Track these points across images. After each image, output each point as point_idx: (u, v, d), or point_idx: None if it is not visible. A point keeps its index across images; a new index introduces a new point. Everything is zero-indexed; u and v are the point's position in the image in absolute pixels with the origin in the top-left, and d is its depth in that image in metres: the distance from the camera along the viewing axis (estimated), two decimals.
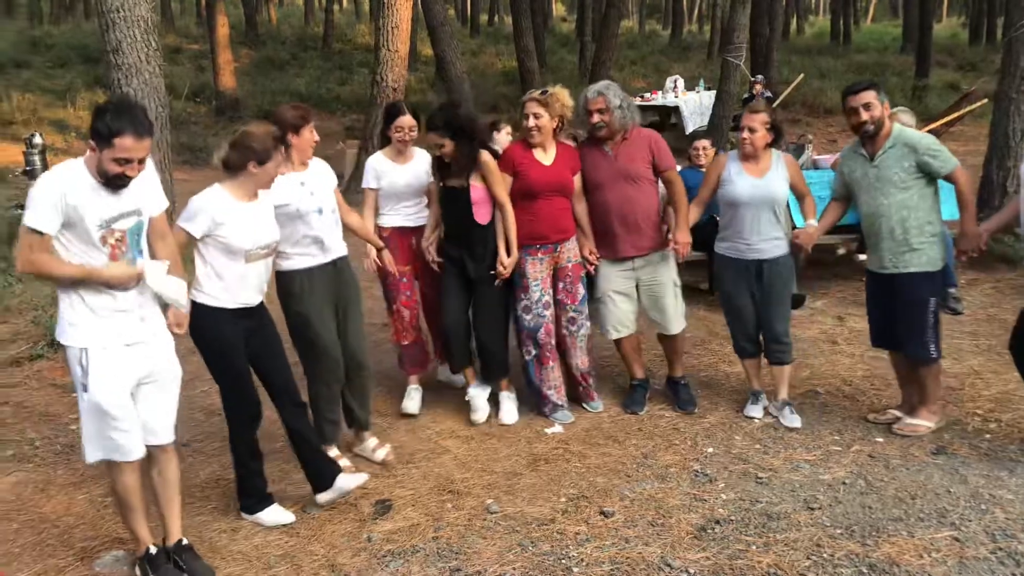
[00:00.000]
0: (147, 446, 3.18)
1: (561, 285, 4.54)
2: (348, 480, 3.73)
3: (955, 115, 9.15)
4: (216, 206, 3.40)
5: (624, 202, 4.43)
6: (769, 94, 13.24)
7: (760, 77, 13.87)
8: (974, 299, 6.36)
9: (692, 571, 3.20)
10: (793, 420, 4.44)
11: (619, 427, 4.51)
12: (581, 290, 4.56)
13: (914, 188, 4.05)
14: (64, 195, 2.86)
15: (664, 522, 3.55)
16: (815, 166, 7.21)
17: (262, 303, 3.63)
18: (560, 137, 4.54)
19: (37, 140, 11.56)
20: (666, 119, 14.23)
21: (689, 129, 13.56)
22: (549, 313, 4.49)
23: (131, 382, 3.09)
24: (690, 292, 4.68)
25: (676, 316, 4.61)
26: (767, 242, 4.38)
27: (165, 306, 3.23)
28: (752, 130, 4.34)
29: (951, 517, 3.50)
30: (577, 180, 4.51)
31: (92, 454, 3.10)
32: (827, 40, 31.15)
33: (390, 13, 10.67)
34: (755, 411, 4.55)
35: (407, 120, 4.48)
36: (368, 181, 4.59)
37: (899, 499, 3.66)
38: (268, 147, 3.42)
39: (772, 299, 4.44)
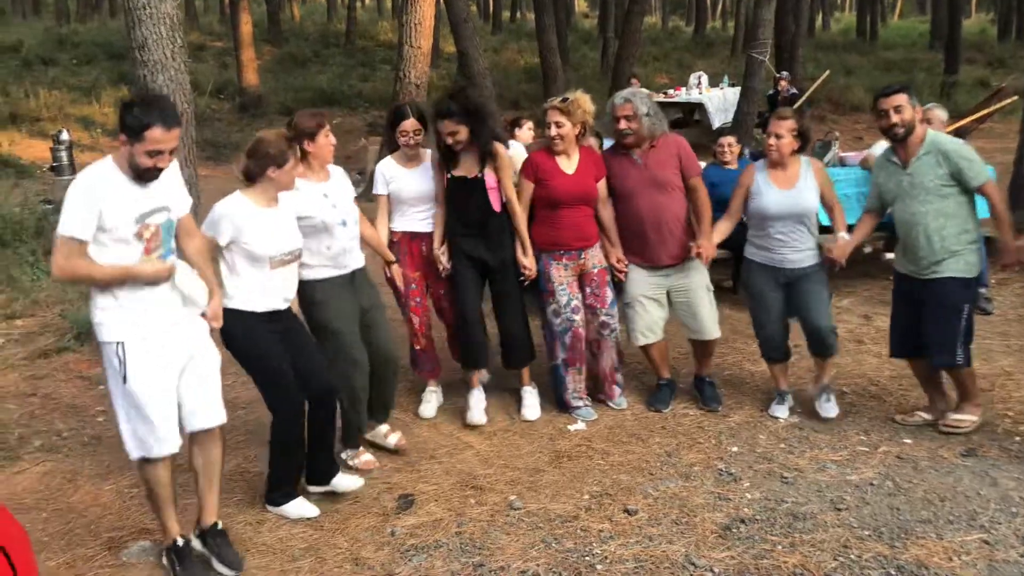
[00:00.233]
0: (191, 431, 3.24)
1: (588, 290, 4.50)
2: (344, 481, 3.79)
3: (984, 112, 9.01)
4: (238, 212, 3.44)
5: (656, 210, 4.39)
6: (794, 91, 13.14)
7: (785, 73, 13.79)
8: (1004, 299, 6.28)
9: (717, 570, 3.18)
10: (828, 409, 4.40)
11: (643, 425, 4.49)
12: (609, 293, 4.52)
13: (951, 196, 3.96)
14: (97, 198, 2.90)
15: (688, 520, 3.53)
16: (842, 163, 7.14)
17: (289, 311, 3.68)
18: (583, 142, 4.50)
19: (64, 136, 11.69)
20: (689, 115, 14.15)
21: (715, 125, 13.48)
22: (579, 317, 4.44)
23: (171, 372, 3.12)
24: (714, 291, 4.63)
25: (712, 322, 4.56)
26: (799, 253, 4.32)
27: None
28: (779, 136, 4.28)
29: (981, 520, 3.45)
30: (602, 186, 4.47)
31: (135, 451, 3.13)
32: (853, 36, 30.86)
33: (413, 10, 10.67)
34: (780, 411, 4.51)
35: (410, 123, 4.34)
36: (378, 187, 4.48)
37: (928, 501, 3.62)
38: (283, 149, 3.46)
39: (810, 301, 4.35)
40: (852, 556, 3.23)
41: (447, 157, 4.31)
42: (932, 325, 4.09)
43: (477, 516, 3.63)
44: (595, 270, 4.49)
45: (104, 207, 2.90)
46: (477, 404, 4.55)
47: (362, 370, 4.00)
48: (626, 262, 4.53)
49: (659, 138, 4.42)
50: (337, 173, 4.05)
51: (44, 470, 4.15)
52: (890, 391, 4.79)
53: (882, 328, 5.71)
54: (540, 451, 4.23)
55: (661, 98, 13.74)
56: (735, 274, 6.59)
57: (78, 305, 6.12)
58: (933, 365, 4.19)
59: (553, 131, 4.33)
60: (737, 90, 13.75)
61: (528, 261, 4.42)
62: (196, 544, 3.36)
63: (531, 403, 4.60)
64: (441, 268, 4.45)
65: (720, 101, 14.29)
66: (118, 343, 3.02)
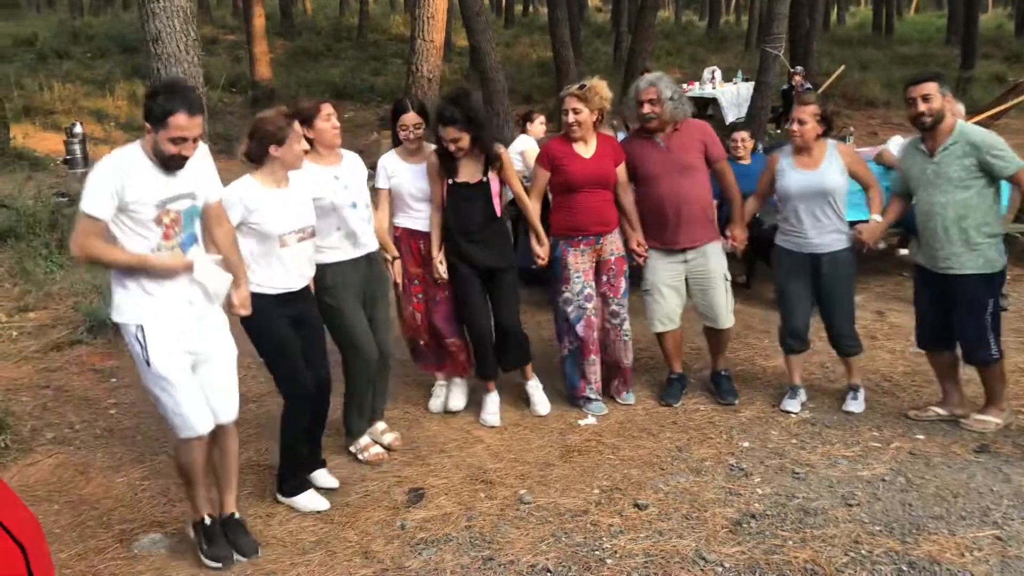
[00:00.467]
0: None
1: (604, 278, 4.49)
2: (322, 478, 3.83)
3: (1001, 107, 8.95)
4: (247, 194, 3.45)
5: (679, 194, 4.38)
6: (809, 85, 13.05)
7: (800, 68, 13.69)
8: (1020, 296, 6.22)
9: (727, 565, 3.17)
10: (853, 405, 4.42)
11: (653, 420, 4.48)
12: (623, 284, 4.52)
13: (974, 188, 3.91)
14: (119, 180, 2.93)
15: (699, 515, 3.52)
16: None
17: (307, 292, 3.67)
18: (601, 129, 4.48)
19: (77, 129, 11.77)
20: (703, 110, 14.09)
21: (728, 120, 13.42)
22: (591, 306, 4.43)
23: (188, 357, 3.14)
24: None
25: (726, 310, 4.55)
26: (826, 235, 4.30)
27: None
28: (802, 122, 4.26)
29: (993, 516, 3.43)
30: (622, 171, 4.46)
31: (183, 430, 3.16)
32: (869, 31, 30.64)
33: (426, 3, 10.67)
34: (792, 405, 4.49)
35: (410, 117, 4.26)
36: (379, 181, 4.38)
37: (940, 497, 3.59)
38: (282, 126, 3.45)
39: (834, 296, 4.35)
40: (863, 551, 3.22)
41: (447, 163, 4.23)
42: (961, 325, 4.06)
43: (487, 510, 3.62)
44: (612, 257, 4.48)
45: (126, 189, 2.93)
46: (492, 406, 4.52)
47: (369, 361, 3.99)
48: (646, 246, 4.52)
49: (682, 122, 4.42)
50: (350, 157, 4.05)
51: (56, 462, 4.17)
52: (903, 387, 4.76)
53: (895, 324, 5.68)
54: (550, 445, 4.22)
55: None
56: (748, 269, 6.57)
57: (91, 298, 6.16)
58: (968, 363, 4.16)
59: (571, 118, 4.32)
60: (751, 85, 13.67)
61: (542, 251, 4.41)
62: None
63: (541, 398, 4.59)
64: (437, 276, 4.35)
65: (734, 96, 14.22)
66: (137, 326, 3.05)
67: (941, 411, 4.31)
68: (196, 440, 3.18)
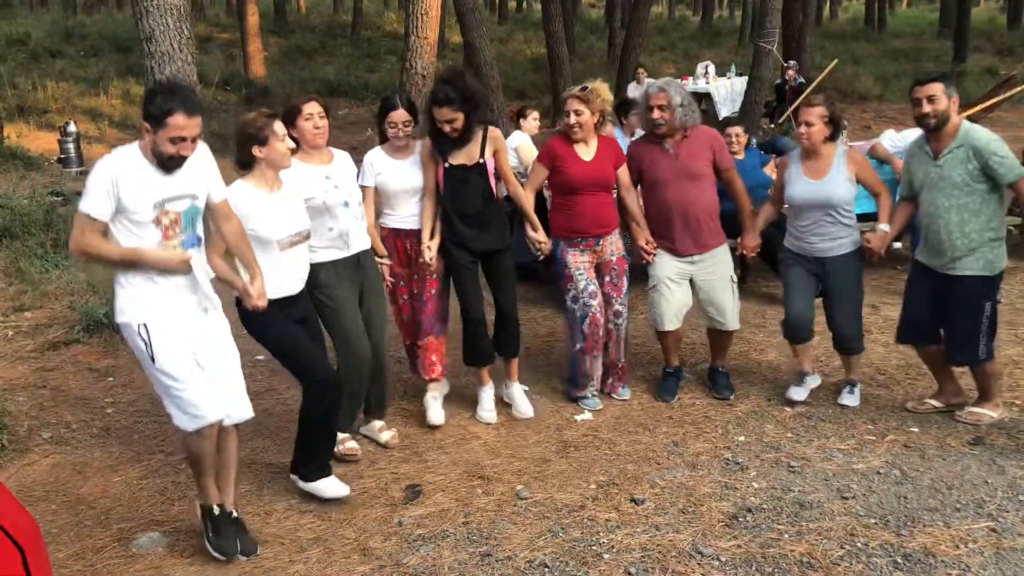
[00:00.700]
0: None
1: (607, 279, 4.50)
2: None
3: (994, 101, 8.95)
4: (241, 199, 3.44)
5: (686, 200, 4.39)
6: (802, 80, 13.08)
7: (793, 63, 13.72)
8: (1012, 288, 6.24)
9: (723, 559, 3.19)
10: (848, 399, 4.44)
11: (649, 415, 4.49)
12: (625, 283, 4.54)
13: (977, 192, 3.89)
14: (116, 181, 2.94)
15: (695, 510, 3.53)
16: None
17: (303, 294, 3.67)
18: (602, 130, 4.49)
19: (71, 128, 11.74)
20: (697, 105, 14.11)
21: (722, 115, 13.44)
22: (595, 303, 4.42)
23: (191, 354, 3.14)
24: None
25: (733, 313, 4.55)
26: (829, 242, 4.30)
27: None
28: (809, 124, 4.23)
29: (988, 508, 3.45)
30: (623, 173, 4.48)
31: (188, 424, 3.14)
32: (861, 25, 30.71)
33: (420, 0, 10.64)
34: (798, 393, 4.48)
35: (399, 114, 4.16)
36: (364, 178, 4.27)
37: (935, 489, 3.61)
38: (261, 126, 3.45)
39: (840, 296, 4.34)
40: (859, 544, 3.23)
41: (441, 146, 4.18)
42: (952, 323, 4.07)
43: (484, 506, 3.64)
44: (613, 258, 4.49)
45: (122, 189, 2.94)
46: (488, 403, 4.52)
47: (362, 359, 3.97)
48: (655, 244, 4.52)
49: (691, 129, 4.43)
50: (341, 156, 4.04)
51: (53, 462, 4.17)
52: (897, 380, 4.78)
53: (889, 318, 5.70)
54: (547, 441, 4.23)
55: None
56: (742, 266, 6.58)
57: (87, 297, 6.15)
58: (953, 363, 4.17)
59: (572, 119, 4.32)
60: (744, 80, 13.70)
61: (540, 236, 4.42)
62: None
63: (521, 402, 4.52)
64: (426, 260, 4.23)
65: (727, 91, 14.24)
66: (140, 324, 3.05)
67: (937, 403, 4.33)
68: (207, 428, 3.16)
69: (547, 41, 15.68)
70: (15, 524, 1.99)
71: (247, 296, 3.30)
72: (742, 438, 4.17)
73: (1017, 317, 5.67)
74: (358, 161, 4.21)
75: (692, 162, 4.40)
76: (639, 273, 4.66)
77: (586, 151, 4.39)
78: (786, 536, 3.32)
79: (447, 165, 4.20)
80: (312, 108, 3.84)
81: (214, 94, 16.33)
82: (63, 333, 5.71)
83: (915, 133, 4.60)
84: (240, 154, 3.50)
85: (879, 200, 4.34)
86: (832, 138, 4.31)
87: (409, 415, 4.56)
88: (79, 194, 3.08)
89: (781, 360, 5.12)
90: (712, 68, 14.71)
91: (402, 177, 4.26)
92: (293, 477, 3.78)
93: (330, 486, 3.67)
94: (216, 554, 3.27)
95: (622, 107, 6.93)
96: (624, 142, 5.48)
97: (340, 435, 4.08)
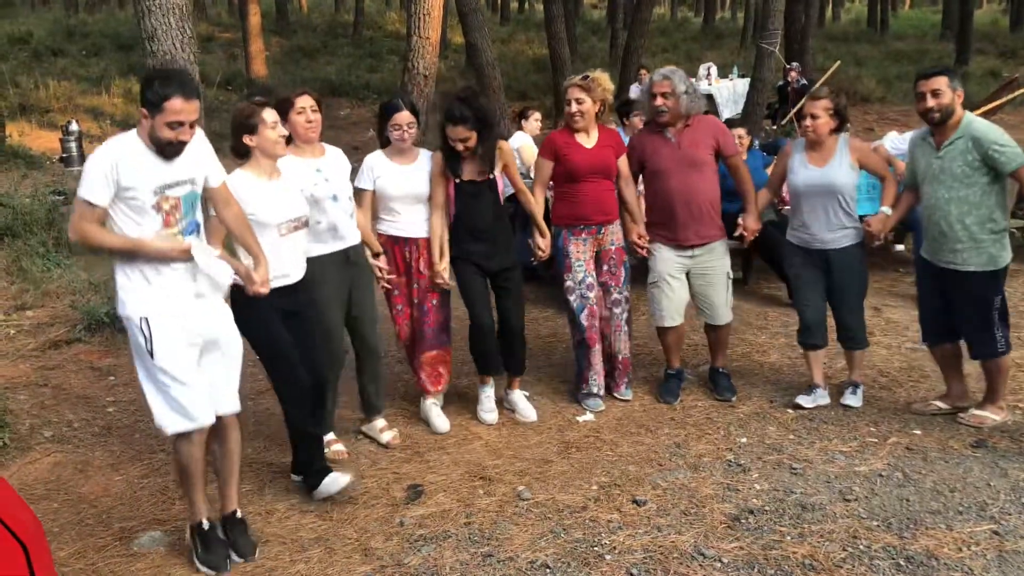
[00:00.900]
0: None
1: (605, 268, 4.51)
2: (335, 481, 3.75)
3: (996, 103, 8.94)
4: (238, 186, 3.44)
5: (688, 189, 4.38)
6: (804, 81, 13.09)
7: (795, 64, 13.73)
8: (1015, 290, 6.23)
9: (725, 560, 3.18)
10: (850, 400, 4.44)
11: (651, 416, 4.49)
12: (624, 273, 4.55)
13: (977, 185, 3.88)
14: (115, 166, 2.93)
15: (697, 511, 3.53)
16: None
17: (301, 284, 3.65)
18: (603, 120, 4.50)
19: (73, 127, 11.77)
20: (701, 93, 14.10)
21: (724, 117, 13.43)
22: (593, 295, 4.44)
23: (193, 349, 3.12)
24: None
25: (725, 307, 4.55)
26: (833, 232, 4.29)
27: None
28: (815, 116, 4.24)
29: (991, 510, 3.44)
30: (623, 163, 4.49)
31: (172, 425, 3.10)
32: (864, 27, 30.69)
33: (422, 0, 10.64)
34: (806, 400, 4.47)
35: (404, 116, 4.11)
36: (363, 181, 4.20)
37: (937, 492, 3.61)
38: (250, 114, 3.48)
39: (843, 291, 4.34)
40: (861, 546, 3.23)
41: (453, 163, 4.16)
42: (965, 321, 4.06)
43: (486, 507, 3.63)
44: (613, 247, 4.50)
45: (122, 173, 2.93)
46: (488, 403, 4.50)
47: (336, 359, 3.95)
48: (647, 239, 4.52)
49: (694, 118, 4.43)
50: (333, 151, 4.01)
51: (55, 460, 4.17)
52: (900, 382, 4.77)
53: (892, 320, 5.70)
54: (549, 442, 4.23)
55: None
56: (745, 265, 6.58)
57: (88, 296, 6.15)
58: (975, 359, 4.16)
59: (574, 107, 4.33)
60: (747, 81, 13.70)
61: (543, 243, 4.42)
62: (219, 532, 3.36)
63: (524, 406, 4.51)
64: (444, 281, 4.22)
65: (729, 92, 14.24)
66: (142, 318, 3.04)
67: (943, 404, 4.33)
68: (196, 433, 3.13)
69: (549, 42, 15.68)
70: (18, 521, 1.99)
71: (249, 281, 3.26)
72: (744, 440, 4.17)
73: (1021, 320, 5.65)
74: (359, 162, 4.20)
75: (694, 151, 4.39)
76: (639, 270, 4.65)
77: (587, 140, 4.40)
78: (788, 538, 3.31)
79: (458, 181, 4.21)
80: (304, 102, 3.80)
81: (216, 94, 16.34)
82: (65, 332, 5.72)
83: (918, 133, 4.60)
84: (234, 143, 3.52)
85: (883, 184, 4.35)
86: (838, 131, 4.32)
87: (410, 415, 4.56)
88: None
89: (783, 362, 5.12)
90: (714, 69, 14.71)
91: (404, 181, 4.21)
92: (294, 477, 3.78)
93: (333, 483, 3.62)
94: (205, 569, 3.23)
95: (624, 107, 6.94)
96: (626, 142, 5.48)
97: (326, 437, 4.06)
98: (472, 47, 12.52)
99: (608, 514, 3.53)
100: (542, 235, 4.44)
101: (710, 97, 13.97)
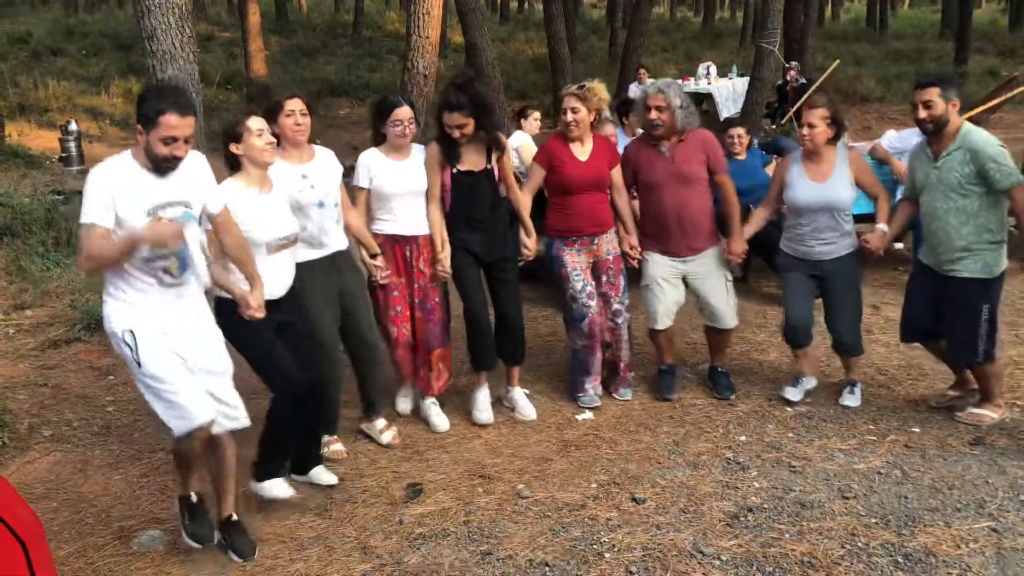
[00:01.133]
0: None
1: (604, 278, 4.50)
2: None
3: (995, 102, 8.94)
4: (229, 196, 3.39)
5: (680, 203, 4.39)
6: (804, 81, 13.08)
7: (795, 64, 13.73)
8: (1012, 289, 6.23)
9: (724, 558, 3.19)
10: (849, 399, 4.44)
11: (650, 414, 4.49)
12: (623, 282, 4.54)
13: (974, 195, 3.87)
14: (111, 188, 2.92)
15: (696, 509, 3.53)
16: None
17: (287, 298, 3.61)
18: (599, 128, 4.50)
19: (72, 127, 11.75)
20: (698, 106, 14.10)
21: (723, 116, 13.44)
22: (594, 303, 4.42)
23: (178, 359, 3.11)
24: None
25: (729, 311, 4.55)
26: (828, 246, 4.29)
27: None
28: (812, 126, 4.22)
29: (989, 508, 3.45)
30: (616, 173, 4.48)
31: (180, 427, 3.10)
32: (863, 26, 30.70)
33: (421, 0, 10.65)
34: (792, 393, 4.49)
35: (404, 111, 4.05)
36: (359, 179, 4.15)
37: (936, 489, 3.61)
38: (235, 122, 3.47)
39: (839, 300, 4.34)
40: (860, 544, 3.24)
41: (450, 151, 4.14)
42: (952, 325, 4.07)
43: (485, 505, 3.64)
44: (609, 257, 4.50)
45: (116, 195, 2.92)
46: (483, 402, 4.49)
47: (333, 360, 3.93)
48: (639, 249, 4.53)
49: (688, 132, 4.42)
50: (324, 154, 3.96)
51: (54, 460, 4.18)
52: (898, 380, 4.78)
53: (891, 318, 5.70)
54: (548, 440, 4.23)
55: None
56: (746, 265, 6.58)
57: (88, 296, 6.15)
58: (950, 361, 4.17)
59: (569, 117, 4.33)
60: (746, 80, 13.70)
61: (530, 242, 4.41)
62: (217, 535, 3.36)
63: (524, 404, 4.52)
64: (445, 270, 4.20)
65: (729, 92, 14.24)
66: (124, 331, 3.04)
67: (956, 393, 4.35)
68: (198, 431, 3.12)
69: (548, 41, 15.69)
70: (18, 520, 2.00)
71: (245, 305, 3.28)
72: (743, 438, 4.17)
73: (1018, 318, 5.67)
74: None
75: (687, 166, 4.39)
76: (634, 273, 4.65)
77: (582, 151, 4.39)
78: (787, 536, 3.32)
79: (455, 171, 4.19)
80: (294, 105, 3.78)
81: (215, 93, 16.33)
82: (64, 331, 5.72)
83: (915, 132, 4.60)
84: (225, 154, 3.51)
85: (877, 202, 4.34)
86: (835, 139, 4.30)
87: (410, 414, 4.55)
88: (80, 192, 3.05)
89: (782, 360, 5.12)
90: (714, 69, 14.71)
91: (401, 177, 4.17)
92: (295, 477, 3.78)
93: (273, 487, 3.62)
94: (191, 542, 3.25)
95: (623, 107, 6.94)
96: (625, 142, 5.49)
97: (324, 438, 4.06)
98: (472, 46, 12.53)
99: (607, 512, 3.53)
100: (528, 234, 4.43)
101: (710, 96, 13.99)
